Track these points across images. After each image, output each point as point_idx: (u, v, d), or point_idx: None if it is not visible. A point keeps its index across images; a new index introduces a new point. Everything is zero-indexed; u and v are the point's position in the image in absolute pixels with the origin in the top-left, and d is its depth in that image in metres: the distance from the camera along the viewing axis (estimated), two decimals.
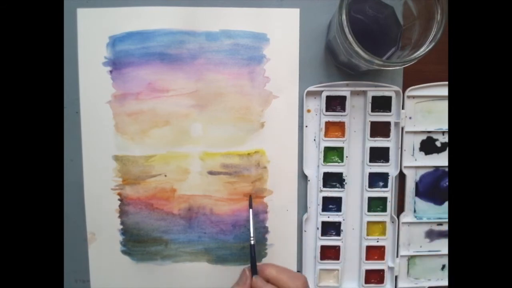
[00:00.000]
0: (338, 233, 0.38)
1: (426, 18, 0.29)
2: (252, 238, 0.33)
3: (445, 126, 0.38)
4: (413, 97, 0.37)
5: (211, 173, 0.37)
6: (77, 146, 0.37)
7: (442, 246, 0.39)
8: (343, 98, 0.36)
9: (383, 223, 0.38)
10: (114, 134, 0.37)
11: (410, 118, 0.37)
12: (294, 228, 0.38)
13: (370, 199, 0.37)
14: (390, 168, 0.37)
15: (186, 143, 0.37)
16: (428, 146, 0.38)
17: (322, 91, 0.36)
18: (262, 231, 0.38)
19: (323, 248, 0.38)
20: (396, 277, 0.39)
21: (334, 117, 0.36)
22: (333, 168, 0.37)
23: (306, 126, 0.37)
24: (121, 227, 0.38)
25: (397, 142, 0.37)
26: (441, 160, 0.38)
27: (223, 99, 0.37)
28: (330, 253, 0.38)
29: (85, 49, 0.36)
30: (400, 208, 0.39)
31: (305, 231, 0.38)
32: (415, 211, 0.39)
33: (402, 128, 0.37)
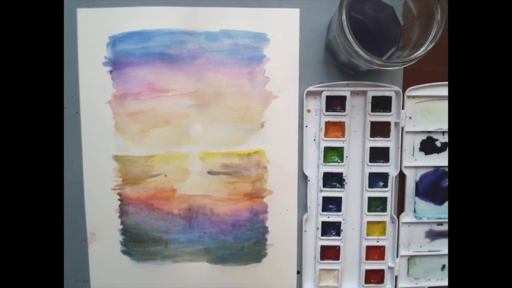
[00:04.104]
0: (338, 233, 0.38)
1: (426, 18, 0.29)
2: None
3: (445, 126, 0.38)
4: (413, 97, 0.37)
5: (211, 173, 0.37)
6: (77, 146, 0.37)
7: (442, 246, 0.39)
8: (343, 98, 0.36)
9: (383, 223, 0.38)
10: (114, 134, 0.37)
11: (410, 118, 0.37)
12: (294, 228, 0.38)
13: (370, 199, 0.37)
14: (390, 168, 0.37)
15: (186, 143, 0.37)
16: (428, 146, 0.38)
17: (322, 91, 0.36)
18: (262, 231, 0.38)
19: (323, 248, 0.38)
20: (396, 277, 0.39)
21: (334, 117, 0.36)
22: (333, 168, 0.37)
23: (306, 126, 0.37)
24: (121, 227, 0.38)
25: (397, 142, 0.37)
26: (441, 160, 0.38)
27: (223, 99, 0.37)
28: (330, 253, 0.38)
29: (85, 49, 0.36)
30: (400, 208, 0.39)
31: (305, 231, 0.38)
32: (415, 211, 0.39)
33: (402, 128, 0.37)
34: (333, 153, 0.37)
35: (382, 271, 0.38)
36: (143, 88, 0.36)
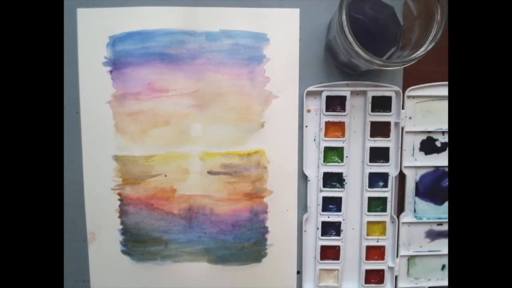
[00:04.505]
0: (338, 233, 0.38)
1: (426, 18, 0.29)
2: None
3: (445, 126, 0.38)
4: (413, 97, 0.37)
5: (211, 173, 0.37)
6: (77, 146, 0.37)
7: (442, 246, 0.39)
8: (343, 98, 0.36)
9: (383, 223, 0.38)
10: (114, 134, 0.37)
11: (410, 118, 0.37)
12: (294, 228, 0.38)
13: (370, 199, 0.37)
14: (390, 168, 0.37)
15: (186, 143, 0.37)
16: (428, 146, 0.38)
17: (322, 91, 0.36)
18: (262, 231, 0.38)
19: (323, 248, 0.38)
20: (396, 277, 0.39)
21: (334, 117, 0.36)
22: (333, 168, 0.37)
23: (306, 126, 0.37)
24: (121, 227, 0.38)
25: (397, 142, 0.37)
26: (441, 160, 0.38)
27: (223, 99, 0.37)
28: (330, 253, 0.38)
29: (85, 49, 0.36)
30: (400, 208, 0.39)
31: (305, 231, 0.38)
32: (415, 211, 0.39)
33: (402, 128, 0.37)
34: (333, 153, 0.37)
35: (382, 271, 0.38)
36: (143, 88, 0.36)
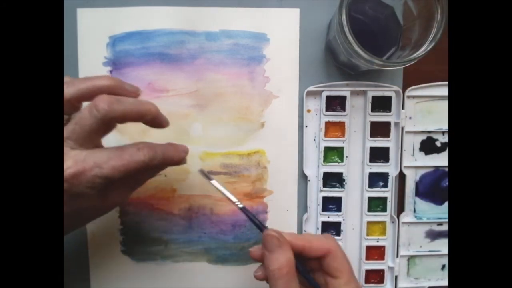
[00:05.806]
0: (338, 233, 0.38)
1: (426, 18, 0.29)
2: (238, 202, 0.32)
3: (445, 126, 0.38)
4: (413, 97, 0.37)
5: (211, 173, 0.37)
6: None
7: (442, 246, 0.39)
8: (343, 98, 0.36)
9: (383, 223, 0.38)
10: (114, 134, 0.37)
11: (410, 118, 0.37)
12: (294, 228, 0.38)
13: (370, 199, 0.37)
14: (390, 168, 0.37)
15: (186, 143, 0.37)
16: (428, 146, 0.38)
17: (322, 91, 0.36)
18: None
19: None
20: (396, 277, 0.39)
21: (334, 117, 0.36)
22: (333, 168, 0.37)
23: (306, 126, 0.37)
24: (121, 227, 0.38)
25: (397, 142, 0.37)
26: (441, 160, 0.38)
27: (223, 99, 0.37)
28: None
29: (85, 49, 0.36)
30: (400, 208, 0.39)
31: (305, 231, 0.38)
32: (415, 211, 0.39)
33: (402, 128, 0.37)
34: (333, 153, 0.37)
35: (382, 271, 0.38)
36: (143, 88, 0.36)
